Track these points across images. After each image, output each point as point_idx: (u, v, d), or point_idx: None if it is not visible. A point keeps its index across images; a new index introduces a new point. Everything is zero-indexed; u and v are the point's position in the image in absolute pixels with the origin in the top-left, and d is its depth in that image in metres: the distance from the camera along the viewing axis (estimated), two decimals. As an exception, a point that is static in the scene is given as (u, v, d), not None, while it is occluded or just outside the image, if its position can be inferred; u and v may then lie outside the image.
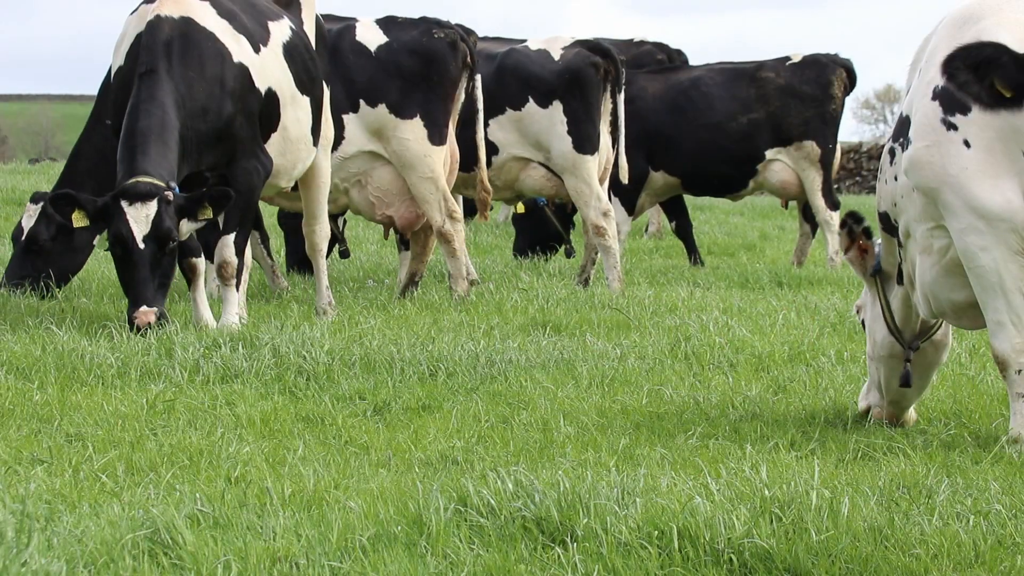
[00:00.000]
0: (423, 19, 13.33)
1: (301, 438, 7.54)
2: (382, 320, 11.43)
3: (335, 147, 12.78)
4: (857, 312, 8.49)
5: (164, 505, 5.90)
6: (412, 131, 12.95)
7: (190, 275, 11.13)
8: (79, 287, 13.29)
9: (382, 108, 12.96)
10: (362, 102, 12.93)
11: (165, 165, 10.43)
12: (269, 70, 11.29)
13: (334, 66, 12.82)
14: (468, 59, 13.17)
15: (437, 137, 12.98)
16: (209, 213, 10.44)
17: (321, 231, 12.27)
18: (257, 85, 11.14)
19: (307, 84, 11.64)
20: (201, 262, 11.12)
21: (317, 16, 12.42)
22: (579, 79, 14.11)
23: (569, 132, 13.96)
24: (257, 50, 11.22)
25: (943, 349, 8.11)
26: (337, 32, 13.08)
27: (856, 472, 6.86)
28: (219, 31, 11.04)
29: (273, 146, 11.33)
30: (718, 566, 5.32)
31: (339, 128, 12.75)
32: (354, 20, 13.34)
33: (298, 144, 11.56)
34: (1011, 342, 7.42)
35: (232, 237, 11.10)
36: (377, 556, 5.26)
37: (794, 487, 6.07)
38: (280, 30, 11.55)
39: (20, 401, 8.29)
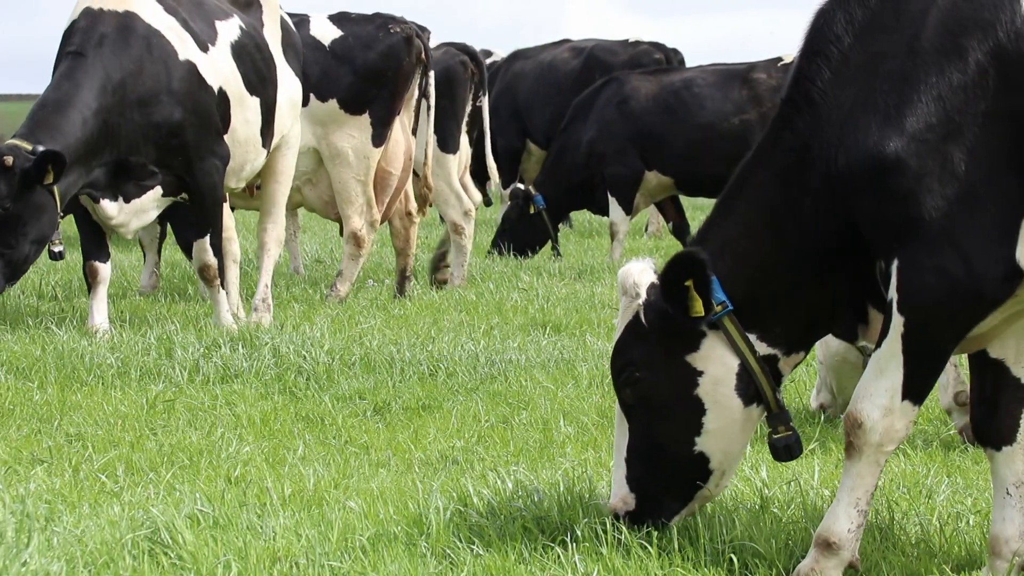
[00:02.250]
0: (377, 14, 13.32)
1: (301, 438, 7.53)
2: (382, 320, 11.43)
3: None
4: None
5: (164, 505, 5.90)
6: (359, 128, 12.90)
7: (90, 280, 10.87)
8: (79, 287, 13.29)
9: (332, 103, 12.91)
10: (312, 96, 12.82)
11: (57, 136, 10.09)
12: (218, 69, 10.99)
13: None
14: (422, 56, 13.15)
15: (379, 139, 12.91)
16: (51, 177, 9.91)
17: (275, 231, 11.81)
18: (209, 83, 10.85)
19: (256, 85, 11.31)
20: (103, 267, 10.80)
21: (284, 17, 12.07)
22: (447, 77, 14.09)
23: (435, 131, 13.83)
24: (205, 48, 10.93)
25: None
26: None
27: (856, 472, 6.85)
28: (164, 28, 10.73)
29: None
30: (718, 566, 5.32)
31: None
32: (307, 15, 13.29)
33: (246, 146, 11.22)
34: None
35: (207, 239, 10.84)
36: (377, 556, 5.26)
37: (794, 487, 6.07)
38: (228, 29, 11.23)
39: (20, 401, 8.29)
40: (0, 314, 11.57)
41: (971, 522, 5.88)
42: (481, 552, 5.29)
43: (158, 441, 7.41)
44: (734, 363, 5.35)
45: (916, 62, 5.09)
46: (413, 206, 13.66)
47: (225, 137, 11.00)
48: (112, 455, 7.03)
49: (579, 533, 5.44)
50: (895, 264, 5.09)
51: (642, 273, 5.47)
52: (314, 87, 12.76)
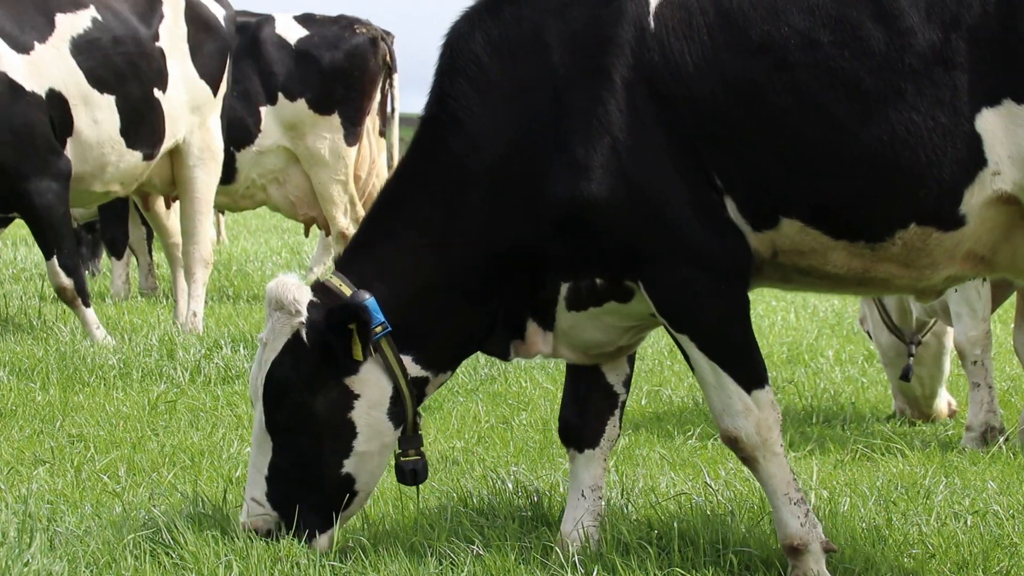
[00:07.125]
0: (342, 16, 13.39)
1: (302, 439, 7.54)
2: (383, 321, 11.41)
3: (251, 141, 12.65)
4: (862, 324, 8.67)
5: (166, 505, 5.92)
6: (330, 128, 12.93)
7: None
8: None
9: (301, 103, 12.94)
10: (281, 95, 12.84)
11: None
12: (47, 68, 10.07)
13: (253, 59, 12.78)
14: (387, 58, 13.20)
15: (352, 137, 12.95)
16: None
17: (196, 252, 11.09)
18: (29, 88, 9.96)
19: (110, 81, 10.34)
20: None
21: (209, 18, 11.11)
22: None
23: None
24: (27, 49, 10.01)
25: (945, 335, 8.28)
26: (255, 24, 13.03)
27: (854, 472, 6.88)
28: None
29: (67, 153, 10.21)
30: (718, 566, 5.33)
31: (256, 121, 12.60)
32: (271, 15, 13.32)
33: (100, 148, 10.33)
34: (966, 334, 7.71)
35: (55, 261, 10.13)
36: (377, 556, 5.28)
37: (793, 487, 6.08)
38: (73, 22, 10.28)
39: (22, 402, 8.31)
40: (3, 315, 11.59)
41: (969, 522, 5.90)
42: (481, 552, 5.31)
43: (160, 442, 7.43)
44: (389, 386, 5.31)
45: (568, 89, 5.03)
46: None
47: (69, 140, 10.20)
48: (114, 456, 7.05)
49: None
50: (642, 289, 5.08)
51: (300, 289, 5.29)
52: (282, 86, 12.82)
